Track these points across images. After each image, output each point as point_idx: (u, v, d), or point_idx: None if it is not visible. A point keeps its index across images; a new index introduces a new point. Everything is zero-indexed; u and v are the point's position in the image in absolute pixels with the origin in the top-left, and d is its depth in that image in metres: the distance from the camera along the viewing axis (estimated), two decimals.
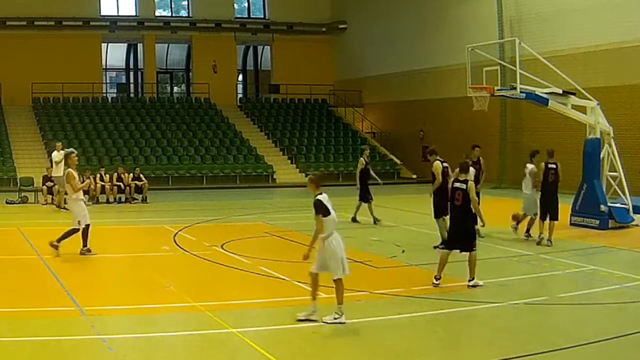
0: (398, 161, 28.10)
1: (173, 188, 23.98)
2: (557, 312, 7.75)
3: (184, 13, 32.37)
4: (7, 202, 18.75)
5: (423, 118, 27.81)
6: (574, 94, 13.64)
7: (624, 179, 13.50)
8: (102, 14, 30.03)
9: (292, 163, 27.83)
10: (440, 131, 26.45)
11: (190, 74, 32.84)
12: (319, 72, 31.99)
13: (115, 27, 30.36)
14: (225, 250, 11.31)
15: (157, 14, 31.48)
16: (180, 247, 11.67)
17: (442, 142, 26.07)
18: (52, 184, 19.14)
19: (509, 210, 13.07)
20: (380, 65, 29.99)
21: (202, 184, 25.14)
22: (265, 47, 33.79)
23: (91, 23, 29.37)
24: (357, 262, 10.34)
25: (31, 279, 9.14)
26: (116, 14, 30.69)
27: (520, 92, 13.05)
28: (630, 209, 13.31)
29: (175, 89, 34.71)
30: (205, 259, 10.50)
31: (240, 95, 33.52)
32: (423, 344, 6.55)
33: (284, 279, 9.11)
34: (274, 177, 26.51)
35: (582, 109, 13.67)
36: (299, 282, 8.88)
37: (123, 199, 19.64)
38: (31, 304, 7.68)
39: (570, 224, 13.53)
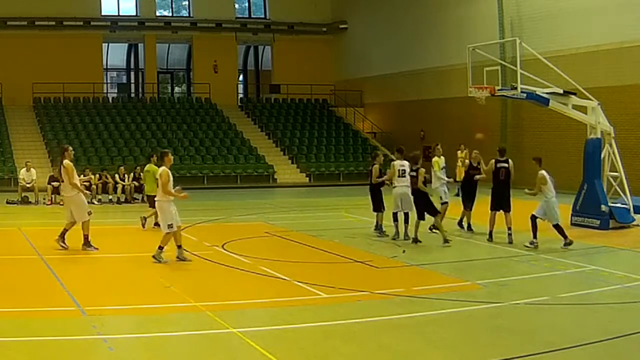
0: None
1: None
2: (558, 312, 7.74)
3: (184, 13, 32.38)
4: (7, 202, 18.77)
5: (424, 118, 27.81)
6: (574, 94, 13.63)
7: (624, 179, 13.49)
8: (103, 14, 30.05)
9: (292, 163, 27.84)
10: (441, 131, 26.44)
11: (191, 74, 32.86)
12: (320, 72, 31.99)
13: (115, 27, 30.39)
14: (225, 250, 11.31)
15: (157, 14, 31.48)
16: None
17: (443, 141, 26.14)
18: (57, 183, 19.18)
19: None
20: (381, 65, 29.99)
21: (203, 183, 25.11)
22: (266, 47, 33.79)
23: (92, 23, 29.38)
24: (357, 262, 10.38)
25: (32, 279, 9.14)
26: (117, 14, 30.71)
27: (521, 92, 13.04)
28: (631, 209, 13.29)
29: (176, 89, 34.72)
30: (206, 259, 10.49)
31: (241, 95, 33.53)
32: (423, 344, 6.54)
33: (284, 279, 9.10)
34: (275, 177, 26.52)
35: (583, 109, 13.65)
36: (300, 282, 8.89)
37: (123, 199, 19.66)
38: (31, 304, 7.67)
39: (571, 224, 13.50)
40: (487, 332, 6.94)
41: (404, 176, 12.07)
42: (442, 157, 13.61)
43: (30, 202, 18.98)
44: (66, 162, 11.11)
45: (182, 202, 10.85)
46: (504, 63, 15.81)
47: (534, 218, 11.18)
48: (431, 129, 27.50)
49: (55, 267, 9.63)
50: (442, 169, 13.41)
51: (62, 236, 11.01)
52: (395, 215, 12.26)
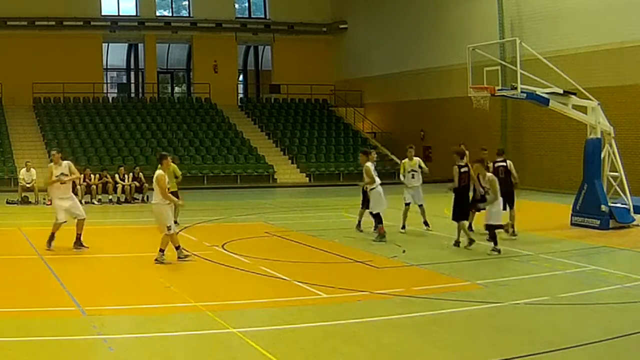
0: (399, 161, 28.02)
1: None
2: (558, 312, 7.74)
3: (184, 13, 32.39)
4: (7, 202, 18.77)
5: (424, 118, 27.81)
6: (574, 94, 13.62)
7: (624, 179, 13.48)
8: (103, 14, 30.08)
9: (292, 163, 27.84)
10: (441, 131, 26.46)
11: (191, 74, 32.87)
12: (320, 72, 32.00)
13: (115, 27, 30.41)
14: (225, 250, 11.31)
15: (157, 14, 31.49)
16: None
17: (443, 142, 26.18)
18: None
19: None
20: (381, 65, 29.98)
21: (203, 183, 25.15)
22: (266, 47, 33.80)
23: (92, 23, 29.42)
24: (357, 262, 10.38)
25: (32, 278, 9.14)
26: (117, 14, 30.73)
27: (521, 92, 13.03)
28: (631, 209, 13.28)
29: (176, 89, 34.73)
30: (206, 259, 10.49)
31: (241, 95, 33.55)
32: (423, 344, 6.54)
33: (284, 279, 9.10)
34: (275, 177, 26.53)
35: (583, 109, 13.65)
36: (299, 282, 8.89)
37: (123, 199, 19.65)
38: (32, 303, 7.67)
39: (571, 224, 13.51)
40: (487, 332, 6.94)
41: (377, 176, 12.30)
42: (415, 158, 13.08)
43: (30, 202, 18.99)
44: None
45: (187, 202, 10.84)
46: (504, 63, 15.79)
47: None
48: (431, 129, 27.51)
49: (55, 267, 9.63)
50: (410, 172, 13.03)
51: (78, 240, 11.01)
52: (379, 216, 12.12)
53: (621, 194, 13.45)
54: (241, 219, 16.35)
